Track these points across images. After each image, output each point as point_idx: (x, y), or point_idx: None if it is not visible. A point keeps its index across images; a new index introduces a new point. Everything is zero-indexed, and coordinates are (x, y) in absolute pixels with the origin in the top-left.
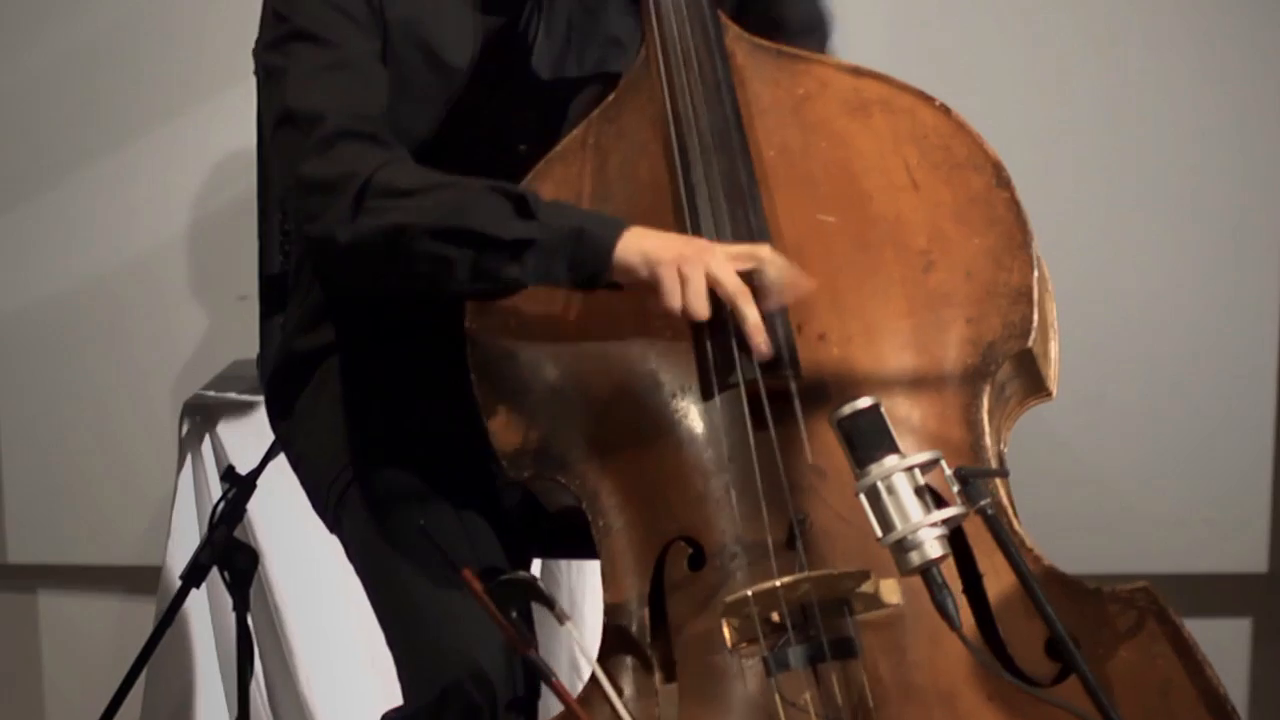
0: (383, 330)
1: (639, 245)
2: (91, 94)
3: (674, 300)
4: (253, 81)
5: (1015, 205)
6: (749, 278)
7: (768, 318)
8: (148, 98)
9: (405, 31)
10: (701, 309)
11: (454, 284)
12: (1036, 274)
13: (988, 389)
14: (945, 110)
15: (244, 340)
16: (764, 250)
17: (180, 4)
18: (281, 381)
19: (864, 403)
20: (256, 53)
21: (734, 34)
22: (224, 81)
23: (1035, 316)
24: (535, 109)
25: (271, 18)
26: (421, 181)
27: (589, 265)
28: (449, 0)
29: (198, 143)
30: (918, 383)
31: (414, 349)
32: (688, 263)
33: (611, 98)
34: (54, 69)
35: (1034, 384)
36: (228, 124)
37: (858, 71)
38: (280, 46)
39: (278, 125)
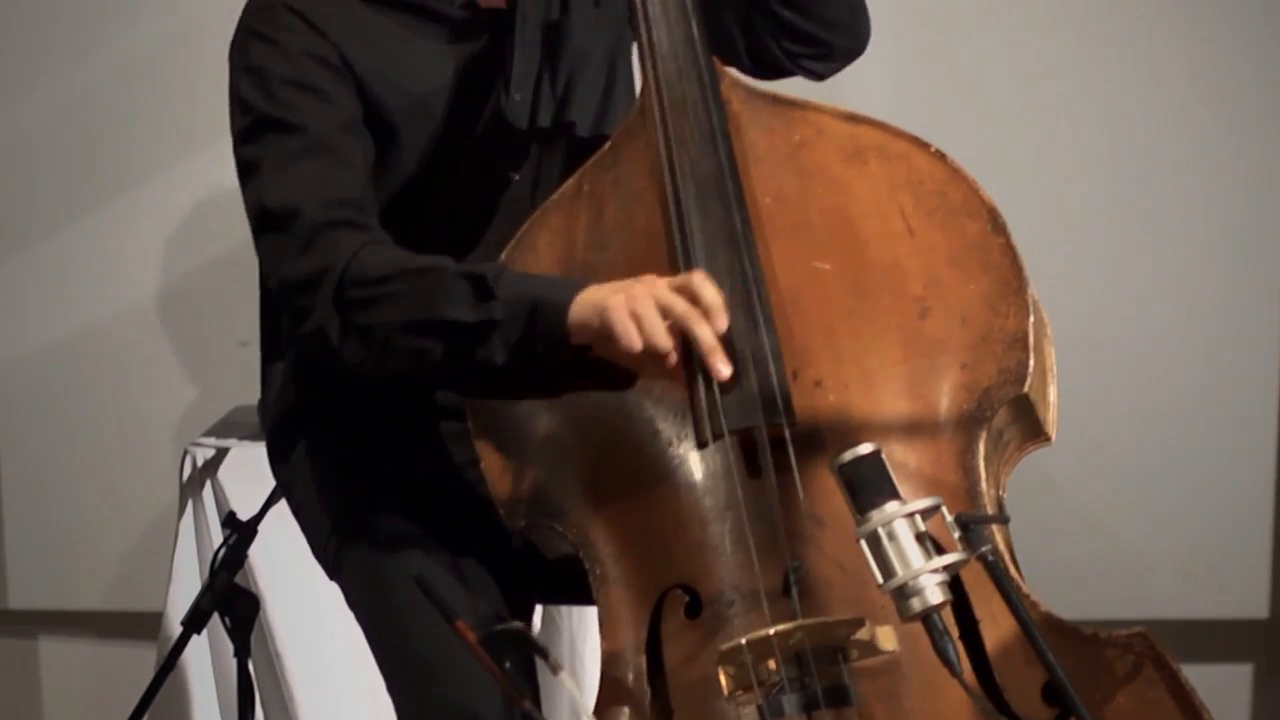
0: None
1: (589, 300)
2: (90, 141)
3: (633, 341)
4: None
5: (1010, 251)
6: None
7: (760, 364)
8: (146, 144)
9: (371, 72)
10: (661, 340)
11: (439, 370)
12: (1032, 319)
13: (984, 435)
14: (940, 156)
15: (245, 386)
16: (696, 275)
17: (177, 53)
18: (282, 428)
19: (865, 449)
20: (233, 142)
21: (729, 81)
22: (223, 127)
23: (1031, 362)
24: (518, 131)
25: (238, 107)
26: (392, 267)
27: (547, 334)
28: (414, 40)
29: (197, 189)
30: (914, 428)
31: (413, 397)
32: (636, 300)
33: (608, 146)
34: (52, 118)
35: (1032, 429)
36: (227, 169)
37: (853, 118)
38: (251, 138)
39: (259, 225)
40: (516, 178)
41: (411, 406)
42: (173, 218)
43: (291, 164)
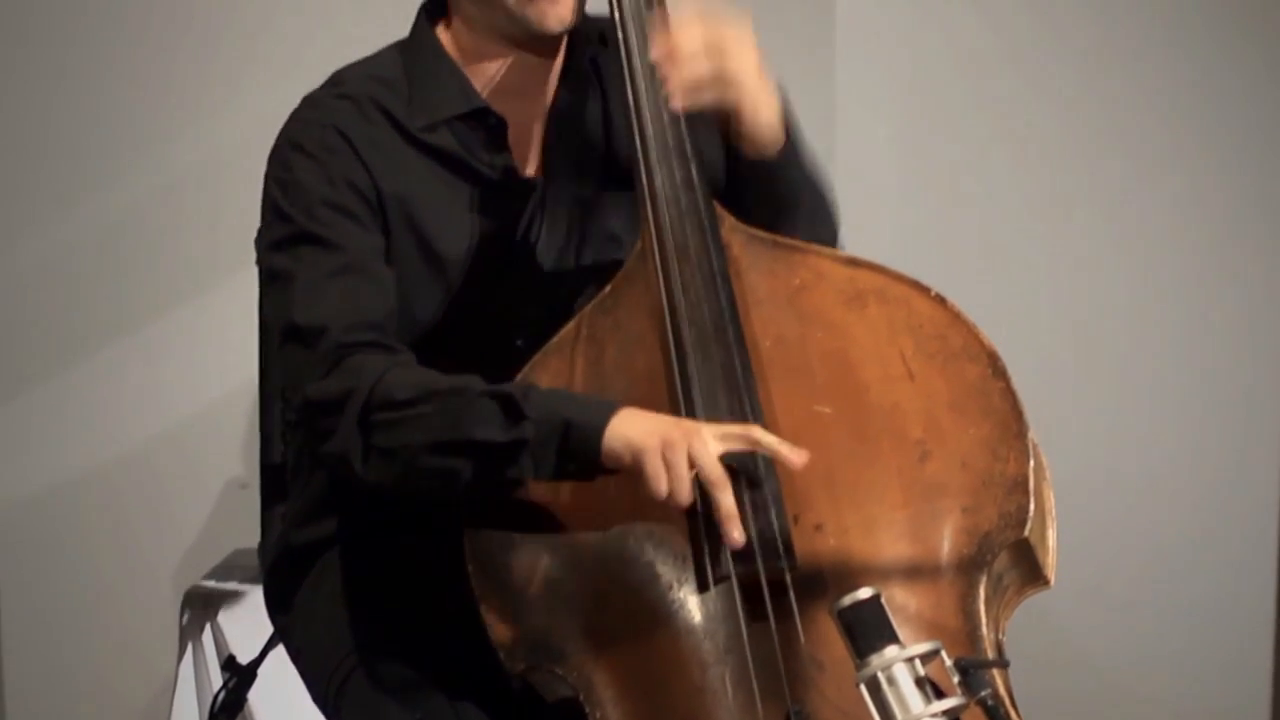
0: (382, 522)
1: (624, 432)
2: (90, 286)
3: (659, 487)
4: (251, 272)
5: (1011, 395)
6: (739, 460)
7: (762, 509)
8: (146, 288)
9: (400, 213)
10: (683, 495)
11: (464, 490)
12: (1032, 463)
13: (984, 579)
14: (940, 300)
15: (245, 529)
16: (756, 430)
17: (174, 197)
18: (281, 573)
19: (865, 593)
20: (260, 248)
21: (730, 224)
22: (223, 271)
23: (1031, 506)
24: (535, 304)
25: (274, 215)
26: (418, 390)
27: (579, 458)
28: (445, 193)
29: (197, 332)
30: (914, 572)
31: (413, 541)
32: (671, 448)
33: (608, 289)
34: (49, 263)
35: (1032, 573)
36: (226, 313)
37: (853, 262)
38: (285, 249)
39: (284, 339)
40: (520, 344)
41: (412, 551)
42: (173, 361)
43: (325, 281)
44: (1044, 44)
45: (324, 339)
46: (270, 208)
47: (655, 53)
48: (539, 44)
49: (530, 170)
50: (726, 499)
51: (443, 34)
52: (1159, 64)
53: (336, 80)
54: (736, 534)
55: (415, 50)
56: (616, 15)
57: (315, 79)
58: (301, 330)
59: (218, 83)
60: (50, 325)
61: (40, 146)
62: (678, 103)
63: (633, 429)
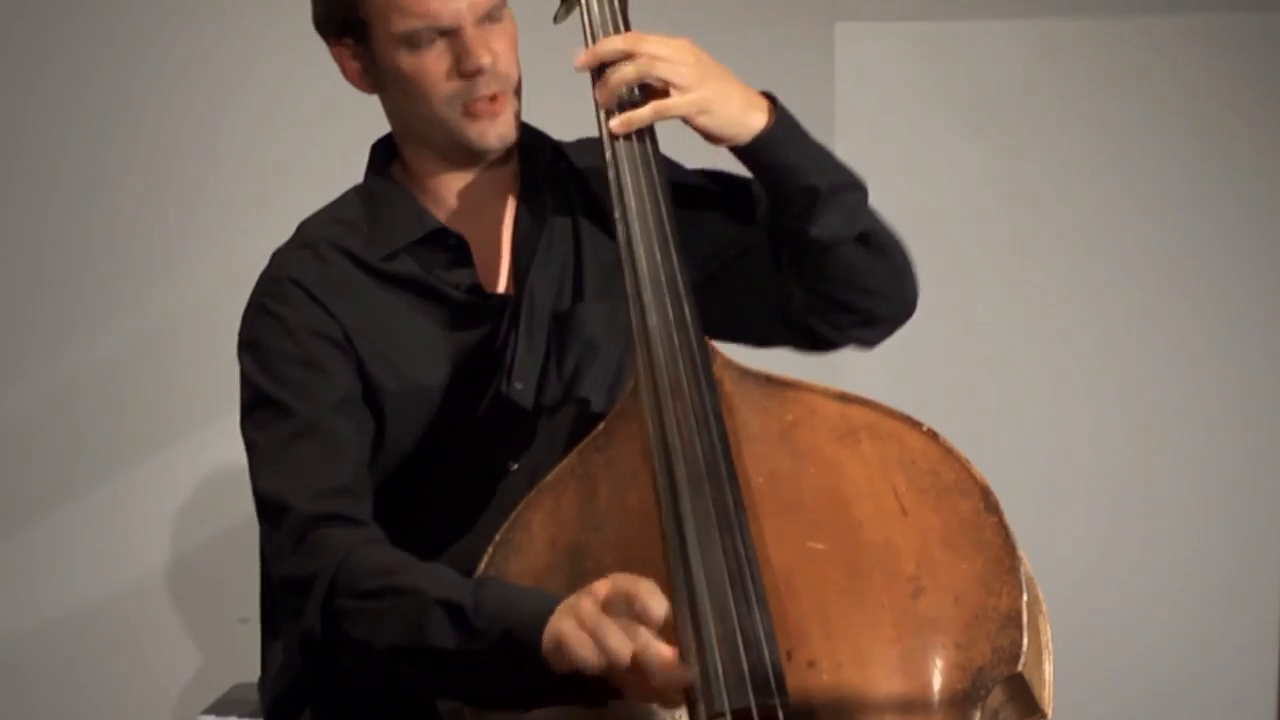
0: None
1: (550, 632)
2: (90, 419)
3: (592, 661)
4: None
5: (1004, 529)
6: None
7: (754, 644)
8: (144, 422)
9: (371, 348)
10: (620, 651)
11: (427, 687)
12: (1026, 597)
13: (979, 714)
14: (933, 435)
15: (245, 664)
16: (642, 584)
17: (172, 332)
18: (282, 707)
19: None
20: (240, 418)
21: (722, 361)
22: (219, 404)
23: (1025, 641)
24: (521, 423)
25: (242, 380)
26: (379, 581)
27: (526, 664)
28: (415, 319)
29: (196, 465)
30: (908, 708)
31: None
32: (584, 617)
33: (601, 426)
34: (47, 398)
35: (1027, 707)
36: (224, 446)
37: (844, 398)
38: (250, 415)
39: (258, 511)
40: (515, 467)
41: (412, 693)
42: (172, 495)
43: (285, 449)
44: (1047, 173)
45: (287, 517)
46: (241, 373)
47: (579, 62)
48: (484, 161)
49: (500, 287)
50: (650, 653)
51: (395, 168)
52: (1153, 183)
53: (298, 231)
54: (678, 676)
55: (370, 187)
56: (609, 153)
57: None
58: (267, 506)
59: (212, 220)
60: (50, 460)
61: (40, 283)
62: (615, 128)
63: (554, 622)
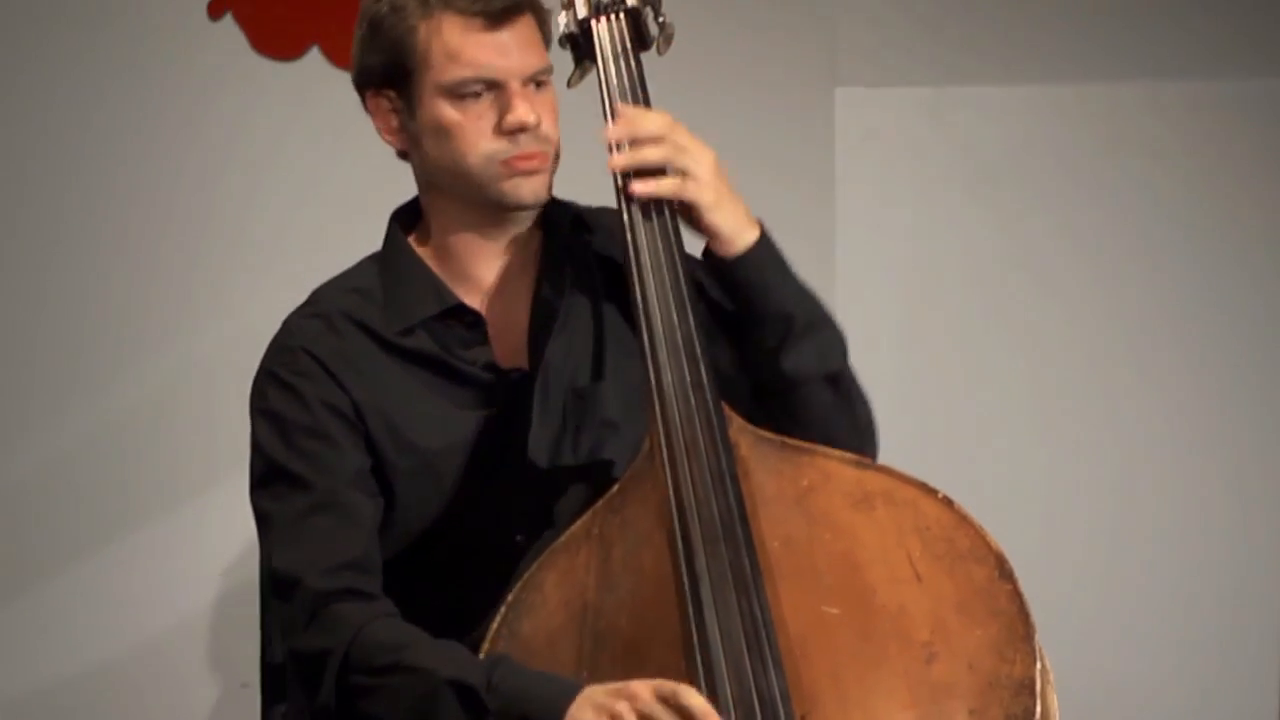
0: None
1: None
2: (90, 486)
3: None
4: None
5: (1018, 597)
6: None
7: (769, 708)
8: (145, 489)
9: (382, 423)
10: None
11: None
12: (1039, 666)
13: None
14: (948, 502)
15: None
16: (681, 688)
17: (173, 397)
18: None
19: None
20: (250, 486)
21: (738, 426)
22: (215, 473)
23: (1038, 709)
24: (532, 498)
25: (254, 449)
26: (391, 658)
27: None
28: (428, 395)
29: (197, 530)
30: None
31: None
32: (614, 713)
33: (616, 488)
34: (50, 462)
35: None
36: (223, 512)
37: (860, 464)
38: (264, 487)
39: (270, 586)
40: (520, 539)
41: None
42: (171, 560)
43: (299, 522)
44: (1050, 241)
45: (300, 591)
46: (253, 444)
47: (613, 130)
48: (512, 223)
49: (516, 362)
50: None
51: (415, 239)
52: (1156, 249)
53: (312, 299)
54: None
55: (389, 257)
56: (625, 215)
57: (307, 280)
58: (279, 582)
59: (208, 286)
60: (51, 527)
61: (40, 349)
62: (636, 189)
63: (581, 711)
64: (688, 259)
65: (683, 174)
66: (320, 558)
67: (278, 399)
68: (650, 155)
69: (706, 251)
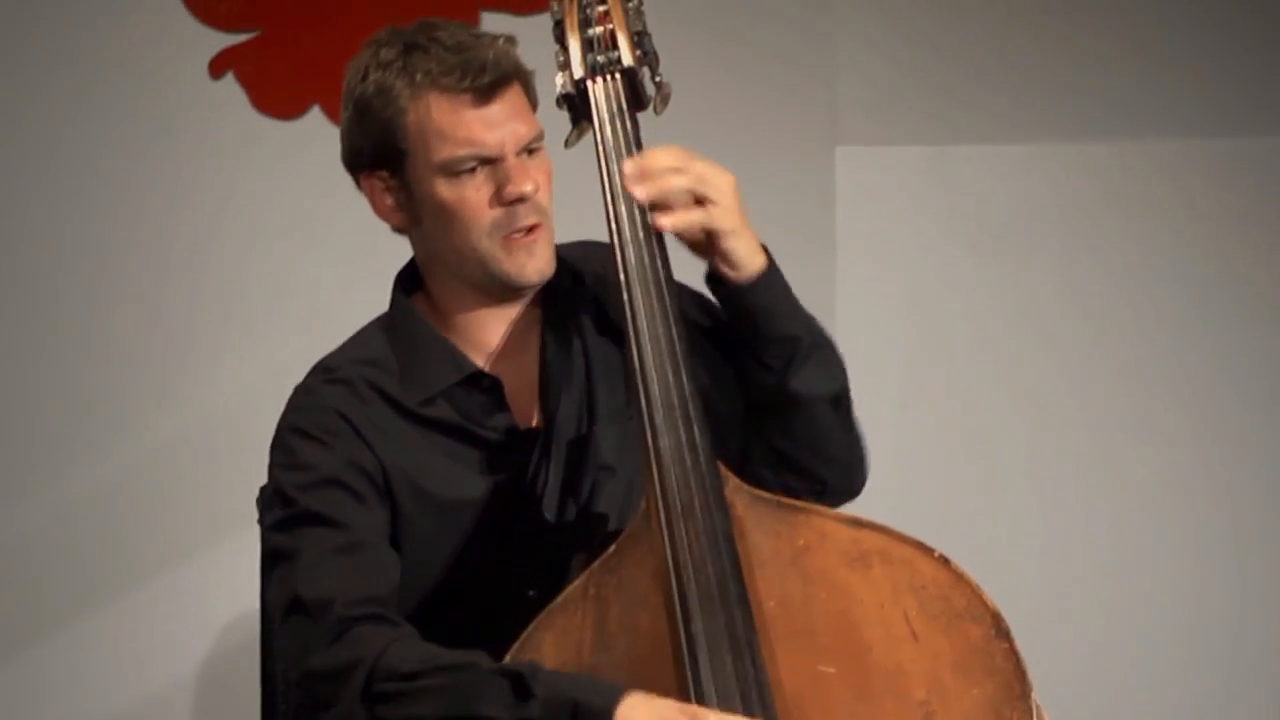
0: None
1: (632, 717)
2: (90, 546)
3: None
4: (254, 529)
5: (1014, 655)
6: None
7: None
8: (144, 550)
9: (408, 487)
10: None
11: None
12: None
13: None
14: (944, 561)
15: None
16: None
17: (177, 454)
18: None
19: None
20: (263, 530)
21: (734, 485)
22: (225, 529)
23: None
24: (545, 551)
25: (276, 498)
26: (424, 664)
27: None
28: (450, 461)
29: (198, 589)
30: None
31: None
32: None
33: (613, 549)
34: (50, 523)
35: None
36: (228, 570)
37: (857, 522)
38: (289, 529)
39: (289, 611)
40: (533, 595)
41: None
42: (173, 620)
43: (329, 558)
44: (1052, 300)
45: (328, 612)
46: (274, 493)
47: (628, 168)
48: (519, 297)
49: (531, 422)
50: None
51: (421, 304)
52: (1159, 307)
53: (326, 367)
54: None
55: (397, 325)
56: (622, 275)
57: (306, 341)
58: (306, 604)
59: (209, 345)
60: (50, 584)
61: (38, 409)
62: (662, 224)
63: (640, 714)
64: (678, 293)
65: (706, 201)
66: (351, 588)
67: (307, 451)
68: (674, 183)
69: (711, 277)
